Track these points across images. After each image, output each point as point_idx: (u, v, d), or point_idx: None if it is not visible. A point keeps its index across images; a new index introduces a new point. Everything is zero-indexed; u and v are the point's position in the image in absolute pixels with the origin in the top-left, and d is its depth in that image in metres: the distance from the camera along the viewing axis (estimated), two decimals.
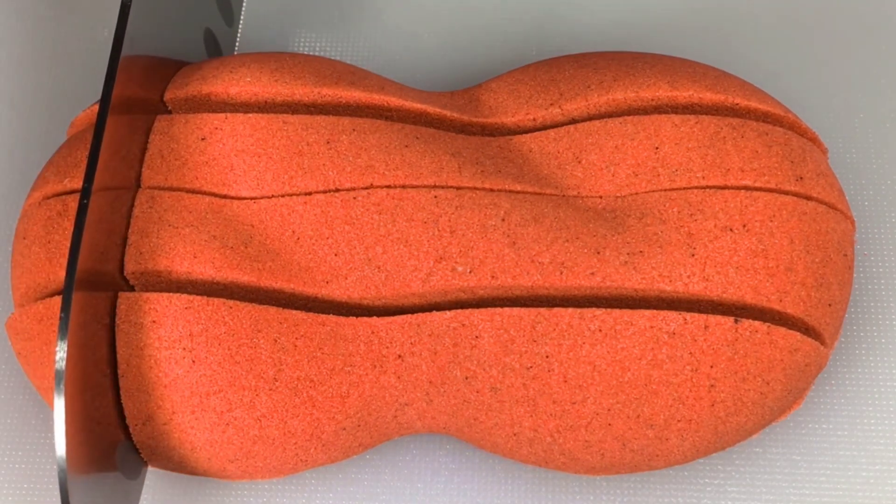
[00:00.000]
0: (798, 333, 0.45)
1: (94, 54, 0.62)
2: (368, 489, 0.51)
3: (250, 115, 0.49)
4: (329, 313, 0.46)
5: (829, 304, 0.46)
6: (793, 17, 0.60)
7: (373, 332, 0.45)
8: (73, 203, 0.48)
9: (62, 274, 0.47)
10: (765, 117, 0.48)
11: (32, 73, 0.62)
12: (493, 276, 0.45)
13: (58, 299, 0.47)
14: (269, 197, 0.47)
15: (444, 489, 0.51)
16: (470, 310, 0.45)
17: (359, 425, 0.46)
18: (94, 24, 0.63)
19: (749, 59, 0.58)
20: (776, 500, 0.49)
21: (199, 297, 0.46)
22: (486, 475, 0.51)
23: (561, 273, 0.45)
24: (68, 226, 0.47)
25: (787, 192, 0.46)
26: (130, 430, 0.47)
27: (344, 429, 0.46)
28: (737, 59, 0.58)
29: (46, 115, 0.60)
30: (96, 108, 0.52)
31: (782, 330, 0.44)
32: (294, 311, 0.45)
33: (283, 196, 0.47)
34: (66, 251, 0.47)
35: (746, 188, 0.46)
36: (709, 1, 0.61)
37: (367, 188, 0.47)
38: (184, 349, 0.45)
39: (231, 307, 0.45)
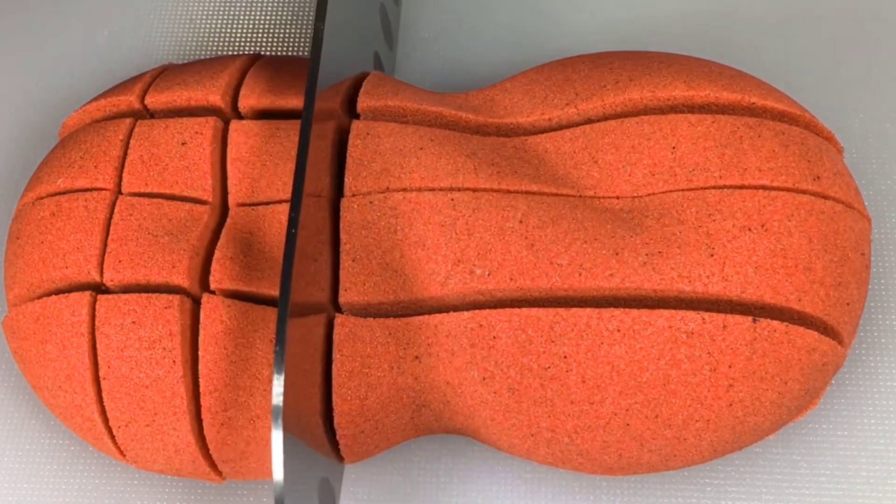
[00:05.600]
0: (816, 333, 0.45)
1: (89, 56, 0.61)
2: (368, 489, 0.51)
3: (246, 122, 0.49)
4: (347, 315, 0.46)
5: (848, 304, 0.46)
6: (794, 18, 0.60)
7: (390, 334, 0.45)
8: (66, 203, 0.48)
9: (55, 274, 0.47)
10: (781, 117, 0.48)
11: (27, 74, 0.62)
12: (511, 279, 0.45)
13: (54, 298, 0.47)
14: (276, 202, 0.47)
15: (444, 489, 0.51)
16: (487, 310, 0.45)
17: (376, 428, 0.46)
18: (90, 25, 0.63)
19: (749, 58, 0.58)
20: (776, 500, 0.49)
21: (182, 297, 0.45)
22: (487, 475, 0.51)
23: (580, 274, 0.44)
24: (61, 226, 0.48)
25: (804, 192, 0.46)
26: (113, 431, 0.46)
27: (362, 432, 0.46)
28: (738, 59, 0.58)
29: (40, 116, 0.60)
30: (87, 108, 0.52)
31: (800, 329, 0.44)
32: None
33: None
34: (59, 251, 0.47)
35: (764, 188, 0.46)
36: (713, 2, 0.61)
37: (383, 192, 0.46)
38: (164, 349, 0.45)
39: (228, 306, 0.45)
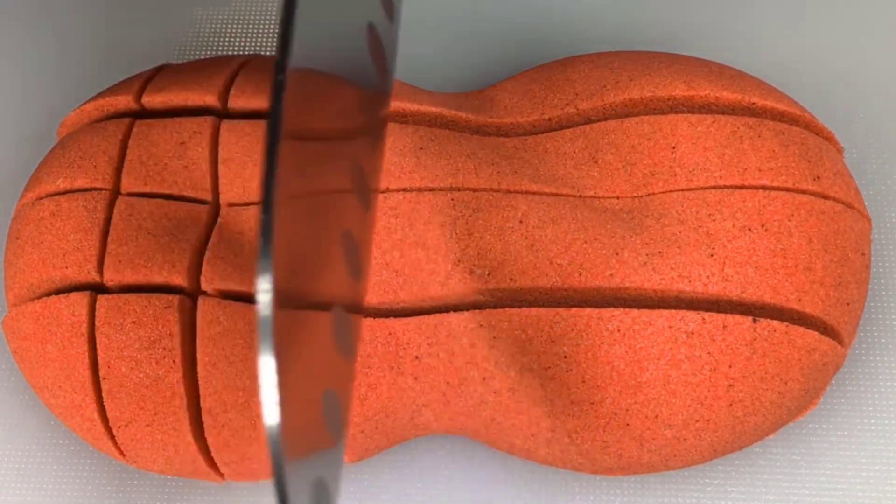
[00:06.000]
0: (816, 333, 0.45)
1: (89, 56, 0.61)
2: (368, 489, 0.51)
3: (237, 121, 0.49)
4: None
5: (848, 304, 0.46)
6: (794, 18, 0.60)
7: (390, 334, 0.45)
8: (65, 203, 0.48)
9: (55, 274, 0.47)
10: (781, 117, 0.48)
11: (25, 73, 0.61)
12: (511, 279, 0.45)
13: (54, 298, 0.47)
14: None
15: (444, 489, 0.50)
16: (488, 310, 0.45)
17: (376, 428, 0.46)
18: (90, 25, 0.62)
19: (749, 58, 0.58)
20: (776, 500, 0.49)
21: (182, 297, 0.45)
22: (486, 475, 0.51)
23: (580, 275, 0.44)
24: (61, 226, 0.47)
25: (804, 192, 0.46)
26: (113, 431, 0.46)
27: (362, 432, 0.46)
28: (738, 59, 0.58)
29: (39, 116, 0.60)
30: (85, 108, 0.52)
31: (800, 329, 0.44)
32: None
33: None
34: (59, 251, 0.47)
35: (764, 188, 0.46)
36: (714, 2, 0.61)
37: (383, 192, 0.46)
38: (164, 349, 0.45)
39: (225, 307, 0.45)
